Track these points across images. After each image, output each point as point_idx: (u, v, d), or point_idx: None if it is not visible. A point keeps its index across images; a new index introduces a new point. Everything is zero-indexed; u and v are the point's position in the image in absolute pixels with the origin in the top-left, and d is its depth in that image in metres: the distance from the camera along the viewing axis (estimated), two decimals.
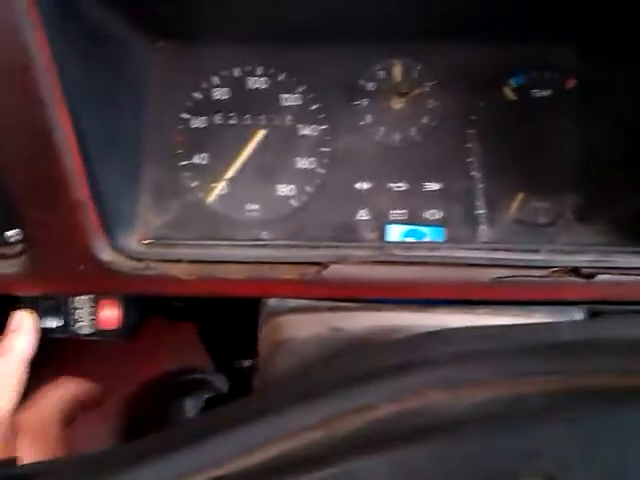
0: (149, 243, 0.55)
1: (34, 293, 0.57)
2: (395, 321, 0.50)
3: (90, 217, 0.50)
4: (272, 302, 0.56)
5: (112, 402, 1.06)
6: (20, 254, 0.52)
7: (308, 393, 0.32)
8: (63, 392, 0.58)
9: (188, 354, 1.07)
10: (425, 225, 0.59)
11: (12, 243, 0.52)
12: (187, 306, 0.84)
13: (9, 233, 0.52)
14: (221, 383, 1.09)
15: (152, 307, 0.69)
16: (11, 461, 0.46)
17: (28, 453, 0.53)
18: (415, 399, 0.31)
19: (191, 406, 1.06)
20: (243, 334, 0.85)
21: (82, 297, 0.59)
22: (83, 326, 0.59)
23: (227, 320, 0.89)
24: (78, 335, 0.60)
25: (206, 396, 1.08)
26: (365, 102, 0.61)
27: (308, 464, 0.30)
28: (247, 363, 0.83)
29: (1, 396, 0.54)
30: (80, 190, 0.48)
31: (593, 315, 0.57)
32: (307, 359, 0.46)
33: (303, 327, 0.49)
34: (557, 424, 0.30)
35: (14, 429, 0.54)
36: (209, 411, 0.59)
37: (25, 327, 0.58)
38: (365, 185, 0.60)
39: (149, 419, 1.07)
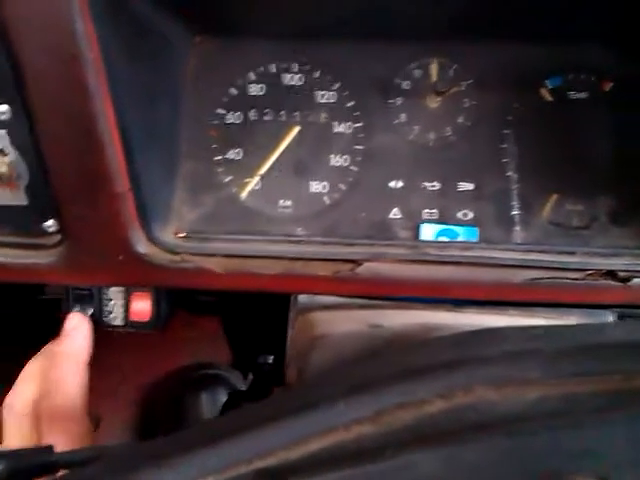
0: (184, 236, 0.55)
1: (70, 283, 0.57)
2: (433, 320, 0.50)
3: (129, 210, 0.50)
4: (303, 299, 0.56)
5: (129, 392, 1.08)
6: (57, 244, 0.53)
7: (358, 386, 0.32)
8: (83, 373, 0.58)
9: (207, 349, 1.07)
10: (458, 225, 0.59)
11: (50, 233, 0.53)
12: (214, 301, 0.84)
13: (47, 223, 0.52)
14: (236, 379, 1.10)
15: (179, 301, 0.69)
16: (47, 449, 0.47)
17: (59, 441, 0.53)
18: (466, 396, 0.31)
19: (206, 401, 1.07)
20: (266, 331, 0.85)
21: (115, 289, 0.60)
22: (115, 317, 0.60)
23: (251, 316, 0.89)
24: (109, 326, 0.60)
25: (222, 391, 1.09)
26: (400, 101, 0.60)
27: (360, 457, 0.30)
28: (270, 359, 0.83)
29: (70, 399, 0.55)
30: (121, 183, 0.48)
31: (622, 318, 0.57)
32: (345, 354, 0.46)
33: (340, 323, 0.50)
34: (609, 424, 0.30)
35: (39, 418, 0.55)
36: (245, 404, 0.59)
37: (81, 329, 0.59)
38: (399, 184, 0.60)
39: (164, 412, 1.08)
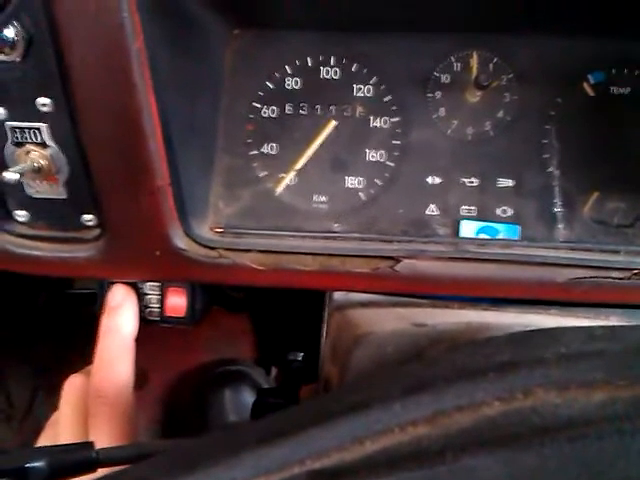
0: (221, 232, 0.55)
1: (108, 278, 0.57)
2: (478, 319, 0.49)
3: (168, 204, 0.50)
4: (338, 296, 0.55)
5: (152, 389, 1.07)
6: (96, 239, 0.52)
7: (414, 387, 0.31)
8: (131, 350, 0.57)
9: (231, 346, 1.07)
10: (497, 222, 0.58)
11: (88, 227, 0.53)
12: (242, 298, 0.84)
13: (86, 217, 0.52)
14: (259, 376, 1.10)
15: (214, 297, 0.69)
16: (87, 445, 0.46)
17: (105, 424, 0.53)
18: (526, 399, 0.30)
19: (229, 397, 1.07)
20: (295, 328, 0.85)
21: (150, 283, 0.59)
22: (150, 312, 0.60)
23: (279, 313, 0.88)
24: (145, 321, 0.60)
25: (245, 388, 1.08)
26: (439, 94, 0.59)
27: (418, 460, 0.29)
28: (300, 356, 0.83)
29: (119, 374, 0.54)
30: (162, 177, 0.48)
31: None
32: (390, 353, 0.45)
33: (382, 322, 0.49)
34: None
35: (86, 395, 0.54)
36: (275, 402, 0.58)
37: (127, 303, 0.58)
38: (436, 180, 0.59)
39: (187, 408, 1.08)
